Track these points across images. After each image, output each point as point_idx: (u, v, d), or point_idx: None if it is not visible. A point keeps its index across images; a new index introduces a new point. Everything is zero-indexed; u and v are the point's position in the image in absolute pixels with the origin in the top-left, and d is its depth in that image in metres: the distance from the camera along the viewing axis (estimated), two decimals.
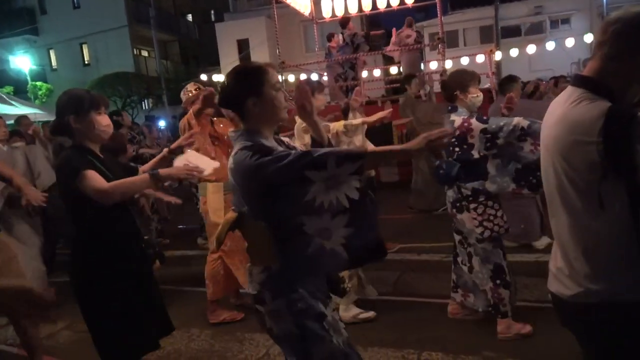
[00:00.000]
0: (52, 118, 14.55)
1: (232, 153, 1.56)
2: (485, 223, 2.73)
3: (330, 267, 1.62)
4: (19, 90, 20.25)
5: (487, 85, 8.05)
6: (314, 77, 9.80)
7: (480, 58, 9.84)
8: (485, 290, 2.82)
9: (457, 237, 2.99)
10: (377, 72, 11.00)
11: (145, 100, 23.80)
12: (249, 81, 1.56)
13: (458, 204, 2.80)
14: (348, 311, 3.22)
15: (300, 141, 3.25)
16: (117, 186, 1.98)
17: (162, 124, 15.86)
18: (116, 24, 22.76)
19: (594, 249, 1.32)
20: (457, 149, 2.70)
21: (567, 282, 1.39)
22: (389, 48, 8.66)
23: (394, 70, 10.70)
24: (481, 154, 2.64)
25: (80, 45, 24.18)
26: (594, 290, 1.32)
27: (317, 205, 1.42)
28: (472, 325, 2.94)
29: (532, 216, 4.20)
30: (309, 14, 9.16)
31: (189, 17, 29.72)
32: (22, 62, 21.24)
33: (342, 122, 3.49)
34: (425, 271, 3.99)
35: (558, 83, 7.28)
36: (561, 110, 1.35)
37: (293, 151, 1.49)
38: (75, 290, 2.11)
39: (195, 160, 2.20)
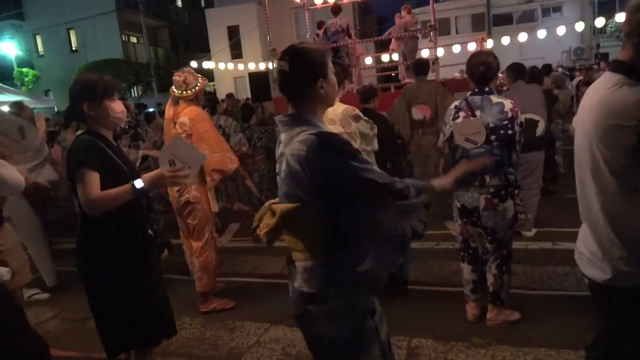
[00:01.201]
0: (39, 105, 14.36)
1: (296, 138, 1.43)
2: (520, 209, 2.78)
3: (374, 287, 1.52)
4: (5, 76, 19.92)
5: None
6: None
7: (472, 46, 9.82)
8: (487, 278, 2.82)
9: (475, 231, 2.81)
10: (368, 60, 10.94)
11: (135, 88, 23.51)
12: (319, 62, 1.48)
13: (503, 192, 2.66)
14: None
15: (345, 129, 2.95)
16: (103, 198, 1.93)
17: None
18: (104, 8, 22.36)
19: (628, 233, 1.35)
20: (509, 132, 2.62)
21: (602, 265, 1.43)
22: (393, 33, 8.49)
23: (385, 58, 10.66)
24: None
25: (68, 30, 23.75)
26: (629, 273, 1.35)
27: (383, 225, 1.41)
28: (461, 312, 2.97)
29: (534, 207, 4.25)
30: (300, 0, 9.06)
31: (179, 3, 29.29)
32: (8, 47, 20.83)
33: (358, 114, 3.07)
34: (415, 259, 4.01)
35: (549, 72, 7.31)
36: (599, 95, 1.38)
37: (371, 164, 1.45)
38: (84, 278, 2.09)
39: (183, 153, 2.07)
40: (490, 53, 2.82)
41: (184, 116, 3.32)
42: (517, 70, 4.30)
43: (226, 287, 3.77)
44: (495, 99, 2.66)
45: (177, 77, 3.38)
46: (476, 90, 2.72)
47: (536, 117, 3.97)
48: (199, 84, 3.39)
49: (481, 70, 2.66)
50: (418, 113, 5.61)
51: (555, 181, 5.79)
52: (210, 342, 3.00)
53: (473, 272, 2.89)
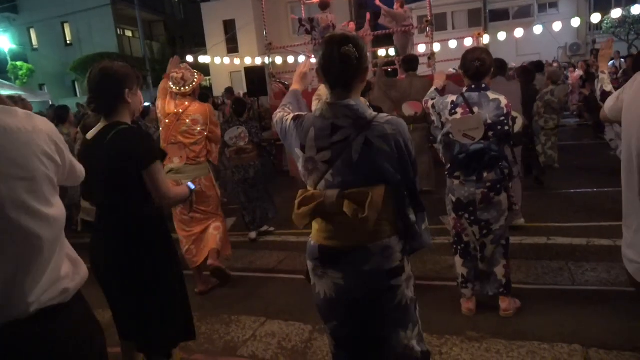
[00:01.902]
0: (34, 99, 14.11)
1: (376, 120, 1.54)
2: (513, 200, 2.83)
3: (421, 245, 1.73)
4: None
5: None
6: (302, 59, 9.70)
7: (468, 41, 9.80)
8: (496, 272, 2.84)
9: (472, 229, 2.82)
10: None
11: None
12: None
13: (499, 185, 2.72)
14: None
15: None
16: (177, 195, 2.12)
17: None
18: (99, 2, 22.15)
19: None
20: (505, 127, 2.66)
21: None
22: (382, 19, 8.46)
23: (382, 53, 10.65)
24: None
25: (62, 24, 23.54)
26: None
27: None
28: (456, 306, 2.99)
29: (519, 195, 4.28)
30: None
31: None
32: (1, 41, 20.65)
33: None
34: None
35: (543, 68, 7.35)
36: None
37: None
38: (130, 275, 2.00)
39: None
40: (484, 50, 2.84)
41: (195, 113, 3.51)
42: (497, 67, 4.34)
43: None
44: (491, 95, 2.69)
45: (175, 74, 3.48)
46: (472, 86, 2.73)
47: (514, 114, 4.02)
48: (195, 80, 3.51)
49: (476, 66, 2.68)
50: (409, 109, 5.63)
51: (543, 174, 5.83)
52: (206, 336, 3.00)
53: (464, 266, 2.92)
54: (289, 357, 2.70)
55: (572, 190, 5.59)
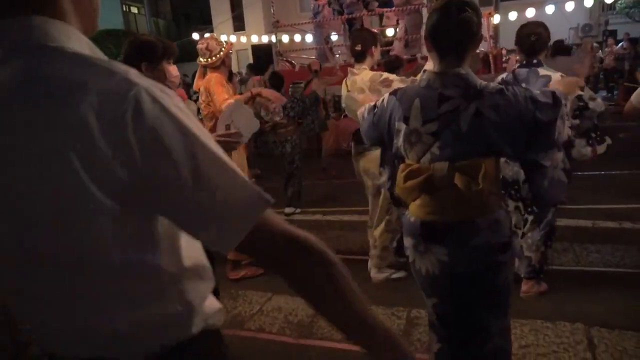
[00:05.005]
0: None
1: (487, 90, 1.47)
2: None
3: None
4: None
5: (483, 49, 7.92)
6: (309, 37, 9.60)
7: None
8: (532, 257, 2.83)
9: (516, 204, 2.81)
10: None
11: None
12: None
13: None
14: (381, 272, 3.27)
15: (374, 95, 2.88)
16: None
17: None
18: None
19: None
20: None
21: None
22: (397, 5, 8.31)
23: (390, 32, 10.47)
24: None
25: None
26: None
27: None
28: None
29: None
30: None
31: None
32: None
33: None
34: None
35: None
36: None
37: None
38: None
39: (241, 118, 2.06)
40: (541, 23, 2.70)
41: (203, 85, 3.31)
42: (555, 48, 4.23)
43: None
44: (542, 71, 2.58)
45: (200, 44, 3.30)
46: (524, 62, 2.65)
47: (591, 94, 3.96)
48: (223, 49, 3.29)
49: (532, 40, 2.60)
50: None
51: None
52: None
53: None
54: (295, 331, 2.75)
55: (579, 173, 5.56)
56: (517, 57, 2.74)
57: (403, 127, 1.58)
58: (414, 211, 1.62)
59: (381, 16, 9.33)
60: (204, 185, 0.68)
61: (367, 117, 1.79)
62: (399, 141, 1.61)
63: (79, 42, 0.71)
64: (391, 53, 7.12)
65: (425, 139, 1.52)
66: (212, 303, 0.86)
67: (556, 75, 2.58)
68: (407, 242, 1.67)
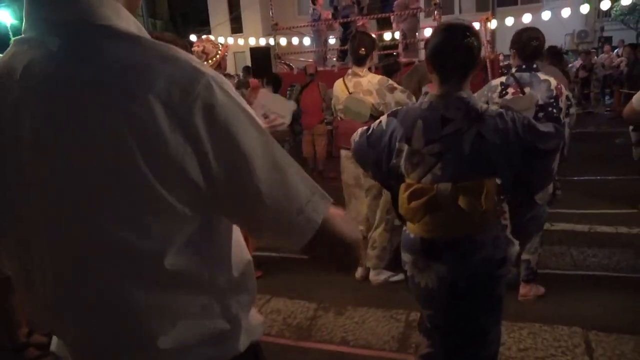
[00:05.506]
0: None
1: (487, 113, 1.51)
2: (558, 184, 2.81)
3: None
4: (0, 46, 19.58)
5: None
6: (307, 40, 9.62)
7: (475, 26, 9.71)
8: (530, 260, 2.85)
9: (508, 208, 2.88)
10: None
11: None
12: None
13: None
14: (380, 275, 3.27)
15: (382, 99, 3.00)
16: None
17: None
18: None
19: None
20: (554, 110, 2.60)
21: None
22: (396, 10, 8.37)
23: (387, 36, 10.51)
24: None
25: None
26: None
27: None
28: None
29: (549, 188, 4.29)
30: None
31: None
32: (3, 16, 20.43)
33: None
34: None
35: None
36: None
37: None
38: None
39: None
40: (537, 29, 2.77)
41: None
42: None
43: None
44: (542, 76, 2.62)
45: (196, 47, 3.23)
46: (523, 66, 2.68)
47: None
48: (219, 52, 3.24)
49: (534, 46, 2.63)
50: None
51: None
52: None
53: None
54: (293, 333, 2.75)
55: (575, 178, 5.60)
56: (512, 61, 2.76)
57: (405, 147, 1.60)
58: (414, 228, 1.65)
59: (381, 20, 9.40)
60: (275, 182, 0.62)
61: (359, 140, 1.80)
62: (400, 161, 1.64)
63: (127, 22, 0.65)
64: (400, 57, 7.16)
65: (428, 160, 1.55)
66: (255, 316, 0.81)
67: (553, 80, 2.63)
68: (406, 257, 1.70)
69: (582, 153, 6.73)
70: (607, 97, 12.24)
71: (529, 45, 2.64)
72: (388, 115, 1.71)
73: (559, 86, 2.63)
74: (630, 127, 4.85)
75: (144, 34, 0.66)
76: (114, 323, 0.66)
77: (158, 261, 0.61)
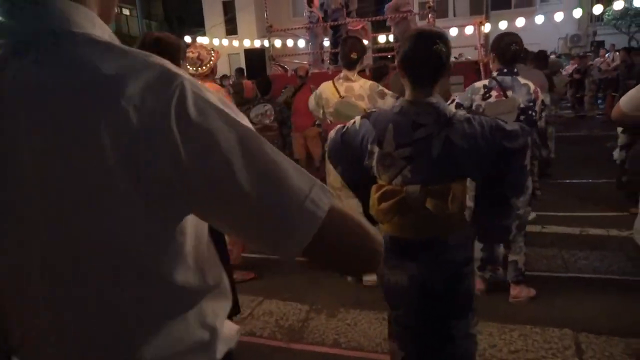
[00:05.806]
0: None
1: (455, 118, 1.55)
2: (537, 185, 2.84)
3: None
4: None
5: (470, 57, 8.02)
6: (301, 42, 9.63)
7: (469, 30, 9.76)
8: (517, 260, 2.88)
9: None
10: (364, 41, 10.82)
11: None
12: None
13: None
14: (372, 275, 3.26)
15: (371, 103, 3.03)
16: None
17: None
18: None
19: None
20: (533, 113, 2.65)
21: None
22: (388, 13, 8.41)
23: (382, 39, 10.55)
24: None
25: None
26: None
27: None
28: None
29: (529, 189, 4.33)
30: None
31: None
32: None
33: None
34: None
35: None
36: None
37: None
38: None
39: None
40: (516, 34, 2.82)
41: None
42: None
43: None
44: (521, 80, 2.68)
45: (190, 53, 3.25)
46: (504, 70, 2.72)
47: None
48: (212, 58, 3.30)
49: (514, 50, 2.68)
50: None
51: (548, 165, 5.89)
52: None
53: (483, 251, 2.96)
54: (285, 335, 2.75)
55: (567, 181, 5.65)
56: (492, 65, 2.81)
57: (376, 149, 1.65)
58: (386, 228, 1.69)
59: (376, 23, 9.42)
60: (261, 180, 0.60)
61: (334, 137, 1.82)
62: (372, 162, 1.67)
63: (102, 31, 0.65)
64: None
65: (398, 162, 1.60)
66: (229, 324, 0.79)
67: (531, 84, 2.68)
68: None
69: (575, 156, 6.79)
70: (599, 101, 12.33)
71: (509, 50, 2.68)
72: (362, 117, 1.74)
73: (536, 90, 2.68)
74: (619, 130, 4.90)
75: (118, 43, 0.66)
76: (112, 323, 0.65)
77: (124, 259, 0.61)
